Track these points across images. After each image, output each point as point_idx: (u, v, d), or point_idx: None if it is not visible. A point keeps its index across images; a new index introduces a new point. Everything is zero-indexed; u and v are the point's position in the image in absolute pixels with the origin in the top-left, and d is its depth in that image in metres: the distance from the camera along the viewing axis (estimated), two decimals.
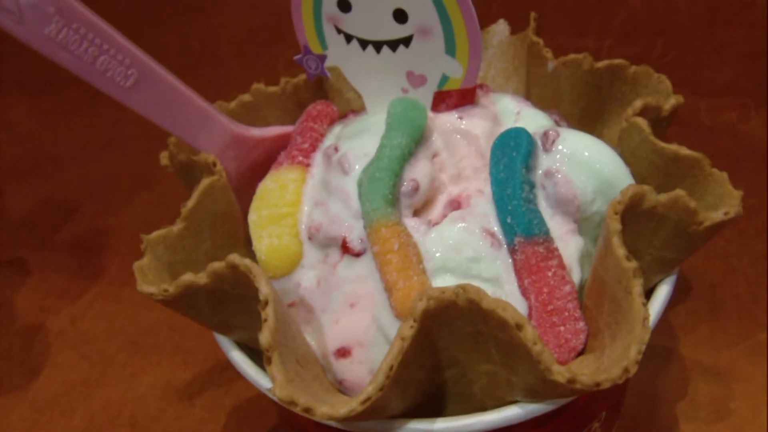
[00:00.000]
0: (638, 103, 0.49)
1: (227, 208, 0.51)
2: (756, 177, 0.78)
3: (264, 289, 0.39)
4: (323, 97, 0.60)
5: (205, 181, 0.49)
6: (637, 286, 0.39)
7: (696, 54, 0.95)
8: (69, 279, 0.81)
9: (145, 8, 1.23)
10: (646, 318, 0.38)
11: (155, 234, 0.47)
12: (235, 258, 0.40)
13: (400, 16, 0.48)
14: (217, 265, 0.41)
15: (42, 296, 0.80)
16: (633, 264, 0.39)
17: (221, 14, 1.15)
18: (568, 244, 0.46)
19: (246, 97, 0.58)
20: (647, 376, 0.61)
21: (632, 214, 0.41)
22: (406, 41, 0.49)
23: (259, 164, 0.54)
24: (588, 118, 0.56)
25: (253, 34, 1.12)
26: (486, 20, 1.01)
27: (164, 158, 0.54)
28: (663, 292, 0.46)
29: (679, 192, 0.41)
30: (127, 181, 0.93)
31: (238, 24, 1.16)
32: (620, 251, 0.40)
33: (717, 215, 0.43)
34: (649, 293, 0.46)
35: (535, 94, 0.58)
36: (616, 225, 0.41)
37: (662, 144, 0.47)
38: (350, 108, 0.60)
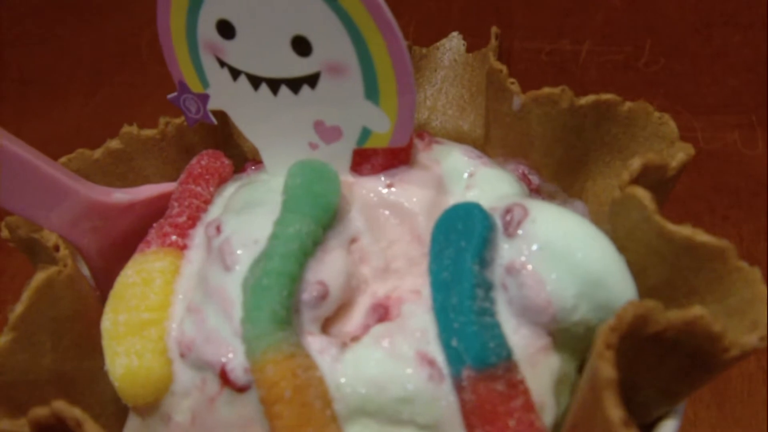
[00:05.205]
0: (636, 164, 0.37)
1: (75, 306, 0.40)
2: (765, 215, 0.66)
3: None
4: (216, 139, 0.48)
5: (40, 277, 0.38)
6: None
7: (689, 61, 0.83)
8: None
9: (57, 5, 1.09)
10: None
11: None
12: (61, 407, 0.32)
13: (302, 46, 0.35)
14: (40, 413, 0.32)
15: None
16: None
17: (142, 13, 1.01)
18: (539, 369, 0.35)
19: (114, 144, 0.45)
20: None
21: (633, 341, 0.31)
22: (312, 80, 0.37)
23: (132, 233, 0.44)
24: (566, 170, 0.46)
25: None
26: (446, 25, 0.88)
27: (4, 231, 0.44)
28: None
29: (698, 311, 0.31)
30: None
31: None
32: (615, 414, 0.29)
33: (750, 340, 0.31)
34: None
35: (496, 137, 0.47)
36: (608, 372, 0.29)
37: (671, 227, 0.35)
38: (253, 156, 0.46)
